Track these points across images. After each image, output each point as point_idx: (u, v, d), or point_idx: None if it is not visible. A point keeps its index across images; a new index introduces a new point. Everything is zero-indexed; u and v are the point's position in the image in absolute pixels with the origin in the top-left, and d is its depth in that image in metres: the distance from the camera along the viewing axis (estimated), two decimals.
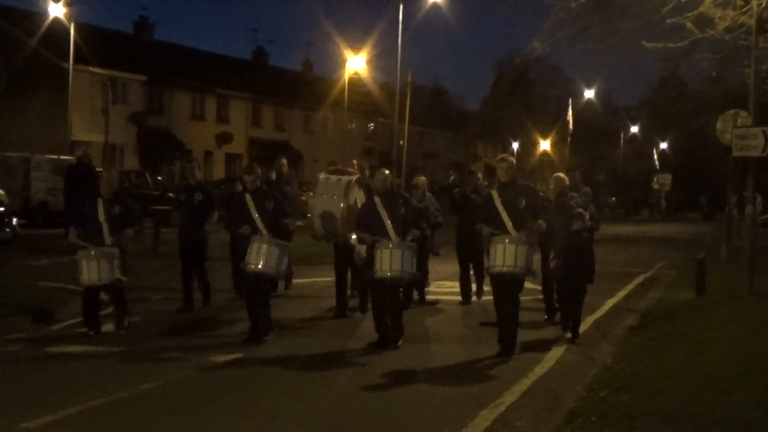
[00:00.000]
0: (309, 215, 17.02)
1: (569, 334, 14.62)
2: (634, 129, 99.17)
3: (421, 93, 79.73)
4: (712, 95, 37.08)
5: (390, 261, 13.39)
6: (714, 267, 22.73)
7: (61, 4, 45.21)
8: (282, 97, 71.95)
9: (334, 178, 16.99)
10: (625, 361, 12.42)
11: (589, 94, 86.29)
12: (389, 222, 13.74)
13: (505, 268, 12.75)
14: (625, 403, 9.85)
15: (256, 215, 14.04)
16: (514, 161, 13.64)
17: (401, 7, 45.46)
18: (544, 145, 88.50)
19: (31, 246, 26.04)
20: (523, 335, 14.06)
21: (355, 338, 14.68)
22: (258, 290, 14.04)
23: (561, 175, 17.15)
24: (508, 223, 12.90)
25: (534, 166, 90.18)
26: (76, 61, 48.06)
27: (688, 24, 19.52)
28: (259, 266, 13.70)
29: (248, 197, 14.30)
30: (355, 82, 63.94)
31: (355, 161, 18.90)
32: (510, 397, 10.78)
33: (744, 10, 19.01)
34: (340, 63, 59.82)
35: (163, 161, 58.97)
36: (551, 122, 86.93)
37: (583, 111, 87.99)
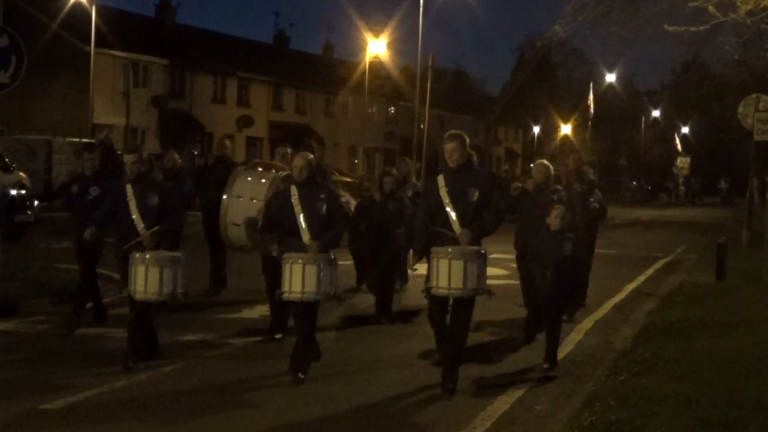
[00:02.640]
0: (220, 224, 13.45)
1: (547, 364, 11.32)
2: (656, 113, 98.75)
3: (442, 77, 79.59)
4: (735, 79, 36.88)
5: (302, 279, 10.19)
6: (735, 252, 22.67)
7: None
8: (303, 81, 71.83)
9: (257, 175, 13.67)
10: (645, 345, 12.39)
11: (611, 78, 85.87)
12: (304, 223, 10.43)
13: (452, 291, 9.95)
14: (645, 387, 9.83)
15: (135, 215, 10.99)
16: (467, 140, 10.36)
17: None
18: (565, 129, 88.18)
19: (52, 229, 26.14)
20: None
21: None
22: (145, 316, 11.18)
23: (544, 162, 13.90)
24: (455, 222, 9.93)
25: (555, 150, 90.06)
26: (98, 44, 48.13)
27: (710, 8, 19.46)
28: (147, 295, 10.80)
29: (129, 189, 11.10)
30: (376, 66, 63.83)
31: (279, 148, 15.35)
32: (529, 380, 10.78)
33: None
34: (361, 47, 59.84)
35: (184, 144, 59.13)
36: (572, 106, 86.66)
37: (605, 95, 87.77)
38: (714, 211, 57.93)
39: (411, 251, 11.40)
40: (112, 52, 53.73)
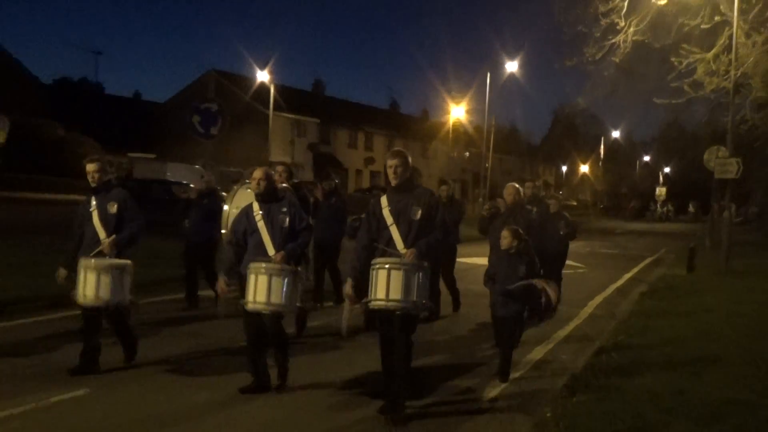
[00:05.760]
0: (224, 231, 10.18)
1: (499, 380, 7.97)
2: (647, 158, 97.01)
3: (501, 131, 79.13)
4: (703, 135, 36.26)
5: (268, 289, 7.04)
6: (701, 253, 22.21)
7: (266, 71, 46.14)
8: (408, 133, 72.01)
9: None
10: (638, 317, 12.15)
11: (616, 133, 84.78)
12: (268, 237, 7.30)
13: (390, 304, 6.52)
14: (637, 345, 9.67)
15: (97, 224, 7.73)
16: (410, 158, 6.95)
17: (488, 75, 45.46)
18: (584, 168, 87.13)
19: None
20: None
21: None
22: (93, 321, 7.70)
23: (515, 185, 10.25)
24: (399, 242, 6.69)
25: (577, 182, 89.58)
26: (274, 109, 49.06)
27: (686, 87, 19.27)
28: (89, 301, 7.51)
29: (93, 200, 7.85)
30: (457, 124, 63.61)
31: (277, 166, 10.35)
32: (556, 337, 10.65)
33: (725, 77, 18.67)
34: (447, 111, 59.60)
35: (329, 175, 59.76)
36: (589, 152, 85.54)
37: (612, 145, 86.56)
38: (687, 226, 56.49)
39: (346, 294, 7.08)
40: (283, 114, 54.63)
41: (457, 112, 56.34)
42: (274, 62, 49.54)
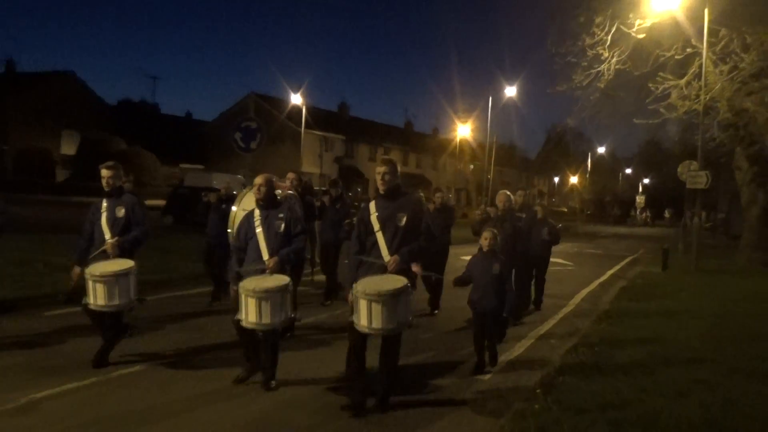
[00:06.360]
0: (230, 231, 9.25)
1: (491, 366, 7.75)
2: (628, 170, 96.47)
3: (501, 146, 78.94)
4: (676, 151, 36.17)
5: (258, 312, 6.33)
6: (674, 254, 22.11)
7: (298, 94, 46.28)
8: (420, 148, 71.99)
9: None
10: (618, 308, 12.11)
11: (601, 149, 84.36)
12: (263, 242, 6.69)
13: (372, 330, 5.85)
14: (616, 332, 9.65)
15: (104, 225, 7.22)
16: (398, 166, 6.36)
17: (490, 98, 45.52)
18: (573, 179, 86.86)
19: None
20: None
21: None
22: (106, 319, 7.12)
23: (506, 192, 9.83)
24: (384, 248, 6.05)
25: (566, 191, 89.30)
26: (306, 127, 49.20)
27: (662, 109, 19.24)
28: (98, 305, 6.86)
29: (104, 203, 7.33)
30: (463, 141, 63.59)
31: (289, 173, 10.77)
32: (547, 326, 10.66)
33: (695, 101, 18.63)
34: (454, 129, 59.60)
35: (351, 185, 60.01)
36: (578, 165, 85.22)
37: (598, 160, 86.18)
38: (663, 230, 56.11)
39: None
40: (313, 131, 54.75)
41: (463, 130, 56.34)
42: (305, 86, 49.80)
